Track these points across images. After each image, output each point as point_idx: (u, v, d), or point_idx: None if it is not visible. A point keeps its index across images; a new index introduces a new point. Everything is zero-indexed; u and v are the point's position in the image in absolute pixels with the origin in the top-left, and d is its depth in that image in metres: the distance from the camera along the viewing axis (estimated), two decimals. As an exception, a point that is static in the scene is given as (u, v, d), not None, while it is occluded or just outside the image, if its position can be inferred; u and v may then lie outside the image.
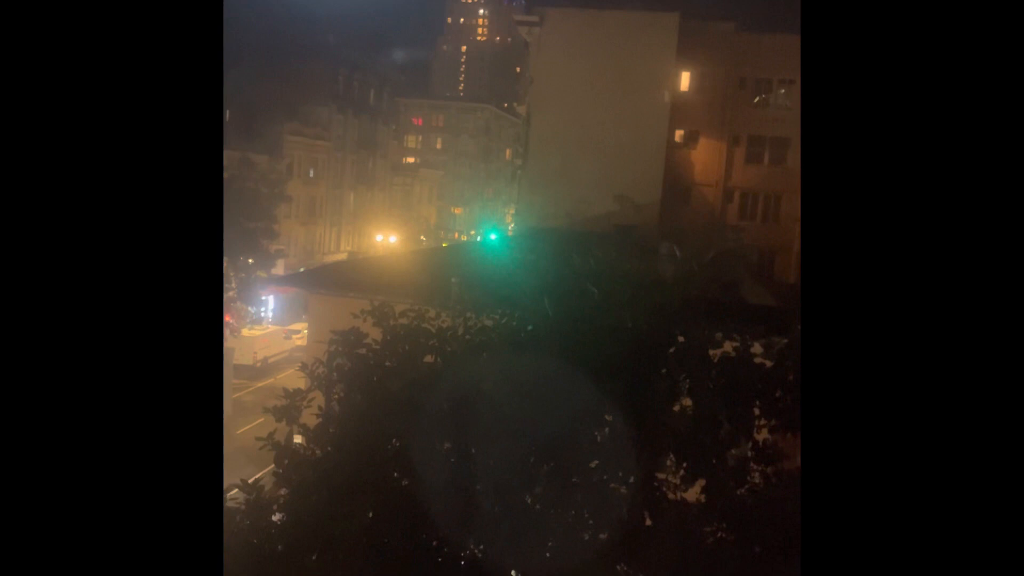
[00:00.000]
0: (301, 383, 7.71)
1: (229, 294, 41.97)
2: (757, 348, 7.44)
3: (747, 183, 33.96)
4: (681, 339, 7.33)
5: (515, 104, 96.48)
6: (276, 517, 7.03)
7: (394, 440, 7.15)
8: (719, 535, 7.27)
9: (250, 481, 7.06)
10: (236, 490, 6.82)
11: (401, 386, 7.11)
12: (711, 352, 7.38)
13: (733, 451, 7.30)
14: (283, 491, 7.26)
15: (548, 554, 6.85)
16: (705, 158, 34.11)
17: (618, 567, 7.23)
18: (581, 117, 31.40)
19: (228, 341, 35.70)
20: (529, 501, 7.02)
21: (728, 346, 7.45)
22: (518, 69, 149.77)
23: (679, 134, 34.07)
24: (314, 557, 6.54)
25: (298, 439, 7.42)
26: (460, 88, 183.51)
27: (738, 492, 7.28)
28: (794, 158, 32.41)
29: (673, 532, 7.10)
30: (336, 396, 7.55)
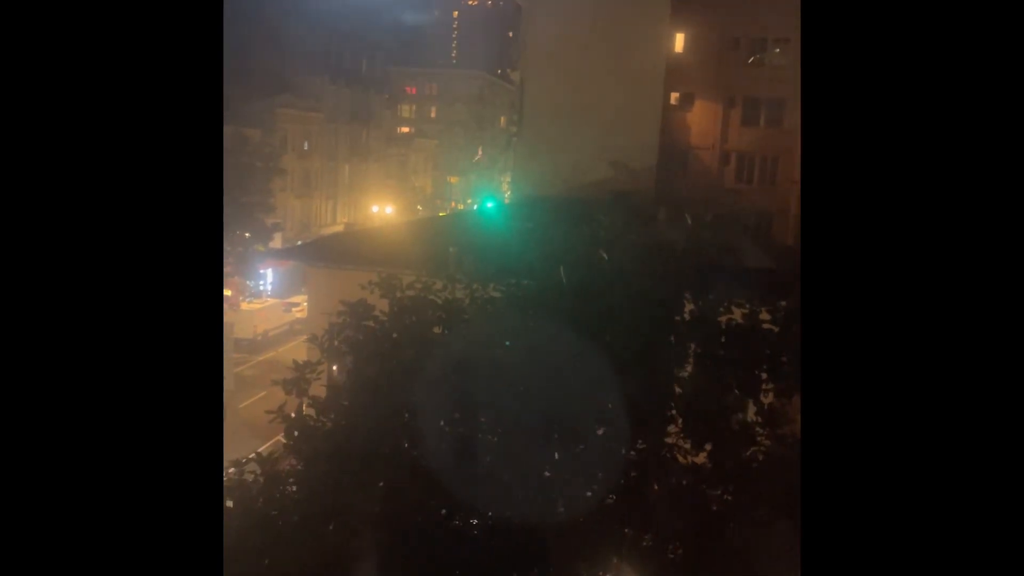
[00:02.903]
0: (303, 356, 7.75)
1: (227, 268, 41.95)
2: (764, 315, 7.48)
3: (743, 145, 33.77)
4: (690, 307, 7.38)
5: (509, 70, 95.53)
6: (290, 488, 7.12)
7: (404, 411, 7.22)
8: (725, 497, 7.38)
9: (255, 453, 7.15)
10: (251, 463, 6.91)
11: (410, 357, 7.16)
12: (720, 319, 7.43)
13: (739, 415, 7.38)
14: (292, 462, 7.34)
15: (557, 519, 6.96)
16: (701, 121, 33.89)
17: (626, 531, 7.35)
18: (576, 82, 31.07)
19: (227, 315, 35.69)
20: (539, 468, 7.10)
21: (736, 312, 7.49)
22: (511, 34, 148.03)
23: (674, 97, 33.81)
24: (331, 527, 6.63)
25: (307, 411, 7.49)
26: (453, 55, 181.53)
27: (744, 456, 7.37)
28: (790, 119, 32.19)
29: (680, 495, 7.20)
30: (344, 368, 7.60)
